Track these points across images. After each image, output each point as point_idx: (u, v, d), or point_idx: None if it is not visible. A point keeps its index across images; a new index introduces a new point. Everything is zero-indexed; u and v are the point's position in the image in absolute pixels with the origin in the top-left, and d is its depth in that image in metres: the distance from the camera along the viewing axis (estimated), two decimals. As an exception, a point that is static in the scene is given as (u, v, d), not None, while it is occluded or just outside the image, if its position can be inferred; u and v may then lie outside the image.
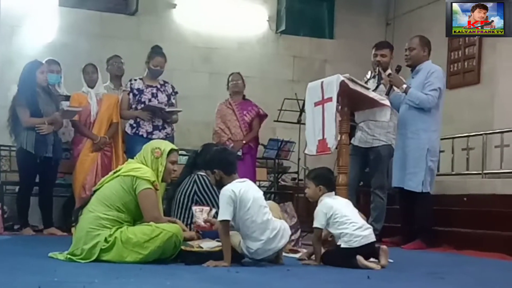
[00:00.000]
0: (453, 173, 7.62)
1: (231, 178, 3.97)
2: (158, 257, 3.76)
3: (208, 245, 3.98)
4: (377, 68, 6.05)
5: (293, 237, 5.37)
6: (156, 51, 6.26)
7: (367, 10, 10.28)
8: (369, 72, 6.23)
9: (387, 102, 5.34)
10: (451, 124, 7.61)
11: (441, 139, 6.27)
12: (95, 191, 4.03)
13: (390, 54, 6.18)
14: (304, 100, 6.35)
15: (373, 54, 6.16)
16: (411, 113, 5.66)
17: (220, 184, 4.00)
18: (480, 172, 7.23)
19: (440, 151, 6.33)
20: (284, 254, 4.70)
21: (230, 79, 6.73)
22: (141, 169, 3.96)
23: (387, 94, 5.73)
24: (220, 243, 3.99)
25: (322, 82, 5.13)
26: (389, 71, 6.00)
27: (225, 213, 3.76)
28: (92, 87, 6.30)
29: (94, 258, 3.72)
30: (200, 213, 4.22)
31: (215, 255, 3.85)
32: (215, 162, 4.05)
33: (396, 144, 5.88)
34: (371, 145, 6.08)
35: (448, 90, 8.01)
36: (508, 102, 7.92)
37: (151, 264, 3.67)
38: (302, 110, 7.74)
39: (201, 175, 4.93)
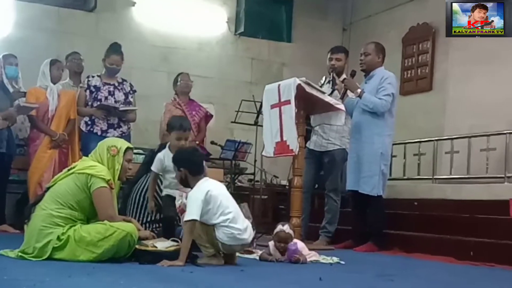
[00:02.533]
0: (405, 177, 7.73)
1: (195, 179, 4.01)
2: (112, 256, 3.72)
3: (163, 244, 3.95)
4: (332, 73, 6.07)
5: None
6: (113, 48, 6.18)
7: (325, 15, 10.36)
8: (324, 77, 6.24)
9: (342, 107, 5.46)
10: (404, 130, 7.68)
11: (394, 144, 6.38)
12: (48, 188, 3.96)
13: (345, 59, 6.22)
14: (261, 102, 6.36)
15: (328, 58, 6.18)
16: (365, 118, 5.69)
17: (184, 182, 4.07)
18: (431, 177, 7.35)
19: (392, 156, 6.41)
20: (238, 254, 4.72)
21: (179, 78, 6.65)
22: (96, 167, 3.91)
23: (341, 98, 5.76)
24: (175, 243, 3.99)
25: (279, 85, 5.19)
26: (344, 76, 6.04)
27: (193, 213, 3.77)
28: (55, 83, 6.18)
29: (46, 256, 3.66)
30: (180, 198, 4.29)
31: (170, 255, 3.83)
32: (184, 161, 4.09)
33: (350, 148, 5.90)
34: (326, 149, 6.10)
35: (402, 97, 8.19)
36: (459, 109, 8.06)
37: (105, 263, 3.62)
38: (259, 112, 7.77)
39: (156, 174, 4.91)
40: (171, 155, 4.49)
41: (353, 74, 5.92)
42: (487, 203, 5.94)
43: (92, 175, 3.83)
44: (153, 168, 4.77)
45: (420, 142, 7.56)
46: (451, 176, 7.22)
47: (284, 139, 4.99)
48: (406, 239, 5.87)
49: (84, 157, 4.24)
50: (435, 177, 7.31)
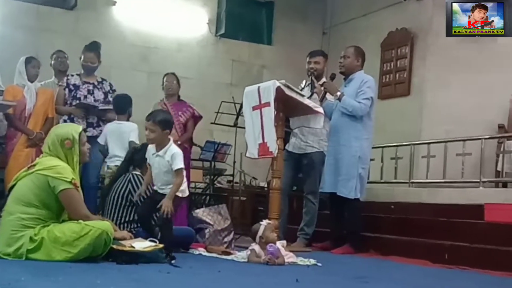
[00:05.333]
0: (382, 181, 7.74)
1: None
2: (88, 255, 3.66)
3: (141, 245, 3.92)
4: (310, 76, 6.09)
5: (226, 239, 5.37)
6: (87, 46, 6.10)
7: (305, 18, 10.39)
8: (304, 81, 6.27)
9: (321, 110, 5.45)
10: (383, 134, 7.71)
11: (372, 147, 6.38)
12: (11, 188, 3.87)
13: (323, 62, 6.21)
14: (241, 104, 6.35)
15: (307, 62, 6.18)
16: (343, 121, 5.72)
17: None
18: (407, 181, 7.38)
19: (370, 159, 6.43)
20: (217, 255, 4.71)
21: (164, 80, 6.62)
22: (58, 167, 3.79)
23: (321, 101, 5.78)
24: (152, 244, 3.97)
25: (259, 87, 5.20)
26: (324, 79, 6.05)
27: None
28: (32, 81, 6.10)
29: (22, 259, 3.59)
30: None
31: (147, 255, 3.81)
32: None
33: (328, 151, 5.91)
34: (304, 151, 6.10)
35: (380, 101, 8.23)
36: (436, 114, 8.14)
37: (81, 263, 3.56)
38: (238, 114, 7.77)
39: (136, 174, 4.87)
40: (152, 149, 4.49)
41: (332, 77, 5.96)
42: (462, 207, 5.96)
43: (54, 177, 3.73)
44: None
45: (397, 146, 7.57)
46: (427, 180, 7.26)
47: (265, 141, 5.00)
48: (382, 242, 5.90)
49: (44, 153, 4.02)
50: (411, 181, 7.34)
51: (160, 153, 4.39)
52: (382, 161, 7.65)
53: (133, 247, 3.85)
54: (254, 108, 5.20)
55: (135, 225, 4.73)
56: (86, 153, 4.10)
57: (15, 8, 8.33)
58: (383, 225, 6.24)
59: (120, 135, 5.68)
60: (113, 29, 8.94)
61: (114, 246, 3.77)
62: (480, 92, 7.89)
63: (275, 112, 5.03)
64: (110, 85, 6.22)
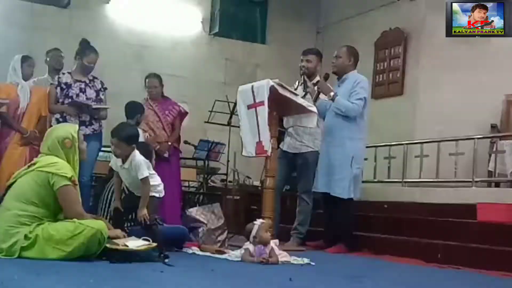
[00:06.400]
0: (375, 180, 7.75)
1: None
2: (82, 254, 3.62)
3: (134, 243, 3.89)
4: (303, 76, 6.06)
5: (220, 238, 5.36)
6: (90, 47, 6.03)
7: (299, 17, 10.35)
8: (297, 82, 6.23)
9: (314, 109, 5.39)
10: (376, 133, 7.68)
11: (367, 147, 6.38)
12: (10, 186, 3.85)
13: (316, 60, 6.14)
14: (234, 103, 6.31)
15: (300, 60, 6.15)
16: (337, 121, 5.70)
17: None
18: (401, 180, 7.39)
19: (365, 159, 6.43)
20: (210, 254, 4.70)
21: (147, 81, 6.51)
22: (58, 164, 3.78)
23: (314, 101, 5.75)
24: (146, 242, 3.95)
25: (252, 86, 5.16)
26: (317, 78, 6.00)
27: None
28: (26, 80, 6.05)
29: (15, 256, 3.55)
30: None
31: (141, 254, 3.80)
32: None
33: (321, 151, 5.89)
34: (299, 151, 6.08)
35: (374, 100, 8.22)
36: (429, 114, 8.14)
37: (75, 261, 3.53)
38: (232, 113, 7.74)
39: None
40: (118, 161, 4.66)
41: (326, 77, 5.92)
42: (455, 207, 5.97)
43: (54, 173, 3.72)
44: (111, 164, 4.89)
45: (390, 145, 7.58)
46: (420, 180, 7.27)
47: (261, 139, 4.98)
48: (375, 241, 5.90)
49: (43, 152, 4.00)
50: (404, 180, 7.35)
51: (126, 165, 4.56)
52: (375, 160, 7.66)
53: (127, 246, 3.81)
54: (249, 107, 5.16)
55: (129, 224, 4.71)
56: (85, 151, 4.11)
57: (10, 5, 8.28)
58: (377, 225, 6.25)
59: None
60: (107, 27, 8.89)
61: (108, 245, 3.74)
62: (473, 92, 7.90)
63: (269, 111, 4.98)
64: (102, 83, 6.14)
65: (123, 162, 4.55)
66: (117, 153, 4.51)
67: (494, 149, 6.97)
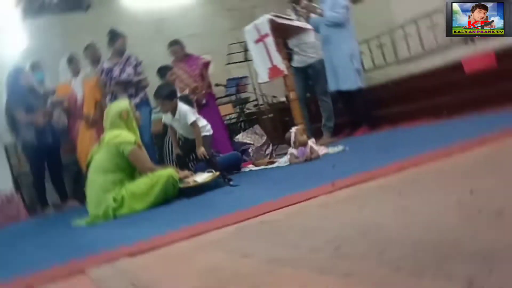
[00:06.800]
0: (374, 67, 7.44)
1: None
2: (163, 199, 3.53)
3: (201, 177, 3.77)
4: (291, 4, 5.84)
5: (267, 152, 5.23)
6: (117, 34, 5.77)
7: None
8: (288, 10, 5.95)
9: (309, 26, 5.32)
10: (364, 30, 7.24)
11: (360, 43, 6.12)
12: (89, 163, 3.75)
13: None
14: (245, 42, 6.05)
15: None
16: (330, 31, 5.49)
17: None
18: (395, 60, 7.08)
19: (361, 53, 6.19)
20: (264, 167, 4.59)
21: (170, 50, 6.15)
22: (121, 134, 3.67)
23: (306, 20, 5.58)
24: (210, 174, 3.85)
25: (255, 24, 4.99)
26: (304, 2, 5.73)
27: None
28: (75, 76, 5.87)
29: (111, 218, 3.47)
30: None
31: (210, 184, 3.69)
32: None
33: (324, 57, 5.68)
34: (307, 63, 5.84)
35: (354, 5, 7.76)
36: (402, 2, 7.69)
37: (159, 207, 3.44)
38: (245, 50, 7.51)
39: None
40: (169, 115, 4.54)
41: (310, -1, 5.70)
42: (444, 69, 5.65)
43: (120, 142, 3.61)
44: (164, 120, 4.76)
45: (378, 36, 7.25)
46: (411, 55, 6.91)
47: (274, 63, 4.79)
48: (390, 116, 5.63)
49: (107, 128, 3.88)
50: (398, 58, 7.02)
51: (176, 117, 4.46)
52: (370, 52, 7.34)
53: (196, 181, 3.70)
54: (256, 41, 4.97)
55: (192, 164, 4.62)
56: (139, 118, 4.01)
57: (45, 23, 8.01)
58: (387, 101, 5.98)
59: None
60: (128, 14, 8.58)
61: (181, 185, 3.64)
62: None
63: (274, 39, 4.77)
64: (136, 58, 5.86)
65: (173, 115, 4.44)
66: (165, 109, 4.42)
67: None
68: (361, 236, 1.50)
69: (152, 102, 5.69)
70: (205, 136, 4.53)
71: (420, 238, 1.36)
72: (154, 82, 5.86)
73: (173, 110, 4.43)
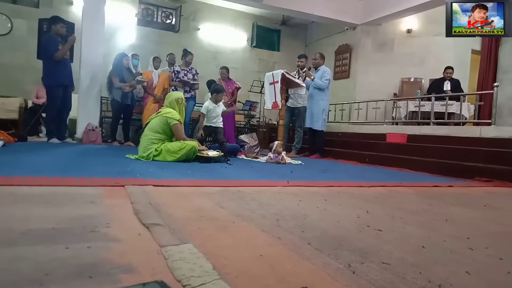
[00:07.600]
0: (335, 121, 7.38)
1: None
2: (185, 158, 3.47)
3: (212, 153, 3.71)
4: (298, 68, 5.76)
5: (256, 151, 5.14)
6: (188, 52, 5.70)
7: (296, 37, 9.70)
8: (294, 72, 5.89)
9: (304, 84, 5.24)
10: (335, 97, 7.37)
11: (330, 104, 6.05)
12: (147, 123, 3.67)
13: (305, 61, 5.78)
14: (263, 82, 5.99)
15: (297, 60, 5.79)
16: (315, 91, 5.42)
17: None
18: (347, 121, 7.01)
19: (329, 111, 6.12)
20: (251, 159, 4.50)
21: (220, 71, 6.09)
22: (171, 112, 3.60)
23: (303, 80, 5.48)
24: (218, 152, 3.77)
25: (272, 73, 4.93)
26: (306, 69, 5.68)
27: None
28: (156, 69, 5.80)
29: (150, 160, 3.42)
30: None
31: (216, 158, 3.63)
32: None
33: (307, 106, 5.61)
34: (295, 106, 5.75)
35: (334, 80, 7.77)
36: (362, 87, 7.66)
37: (181, 162, 3.38)
38: (262, 86, 7.44)
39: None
40: (212, 104, 4.33)
41: (310, 68, 5.62)
42: (375, 135, 5.64)
43: (170, 117, 3.55)
44: (201, 110, 4.54)
45: (342, 104, 7.18)
46: (358, 121, 6.84)
47: (276, 100, 4.74)
48: (334, 152, 5.62)
49: (164, 105, 3.82)
50: (350, 121, 6.95)
51: (217, 105, 4.33)
52: (335, 111, 7.29)
53: (208, 154, 3.65)
54: (270, 84, 4.92)
55: (209, 143, 4.53)
56: (185, 106, 3.95)
57: (148, 32, 7.90)
58: (335, 144, 5.94)
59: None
60: (198, 41, 8.45)
61: (199, 154, 3.58)
62: (384, 77, 7.39)
63: (281, 86, 4.77)
64: (195, 70, 5.81)
65: (216, 103, 4.32)
66: (214, 99, 4.31)
67: (395, 105, 6.52)
68: (293, 218, 1.48)
69: (197, 99, 5.63)
70: (220, 127, 4.35)
71: (328, 230, 1.35)
72: (202, 88, 5.81)
73: (217, 101, 4.32)
